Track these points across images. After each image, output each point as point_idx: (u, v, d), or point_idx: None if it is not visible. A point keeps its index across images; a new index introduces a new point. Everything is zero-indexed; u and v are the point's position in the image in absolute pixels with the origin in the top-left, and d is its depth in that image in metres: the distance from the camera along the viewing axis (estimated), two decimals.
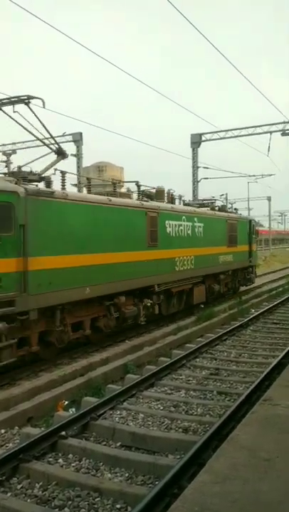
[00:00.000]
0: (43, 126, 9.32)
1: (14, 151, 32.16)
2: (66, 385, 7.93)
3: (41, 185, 9.33)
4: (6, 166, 31.66)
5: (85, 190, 10.24)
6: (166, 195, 14.63)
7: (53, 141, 9.82)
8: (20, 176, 8.74)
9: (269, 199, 65.73)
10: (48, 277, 8.64)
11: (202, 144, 30.14)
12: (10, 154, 32.11)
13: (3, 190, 7.92)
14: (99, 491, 4.57)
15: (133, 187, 13.49)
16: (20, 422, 6.69)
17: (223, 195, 23.45)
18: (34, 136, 9.63)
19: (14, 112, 9.04)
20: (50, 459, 5.37)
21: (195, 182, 29.97)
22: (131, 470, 5.09)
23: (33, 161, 9.78)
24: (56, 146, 9.80)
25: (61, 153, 9.87)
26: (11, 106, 9.07)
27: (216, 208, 18.86)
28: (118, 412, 6.71)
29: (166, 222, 13.24)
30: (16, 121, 9.26)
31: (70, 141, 29.02)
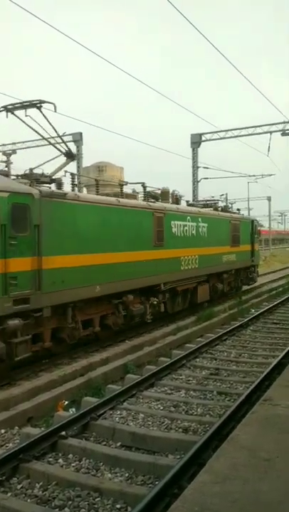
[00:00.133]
0: (54, 129, 9.72)
1: (14, 151, 32.15)
2: (66, 385, 7.93)
3: (52, 186, 9.55)
4: (6, 166, 31.66)
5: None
6: (170, 195, 14.88)
7: (63, 144, 10.16)
8: (34, 178, 9.05)
9: (269, 199, 65.71)
10: (61, 276, 8.95)
11: (202, 143, 30.13)
12: (10, 154, 32.09)
13: (19, 192, 8.24)
14: (99, 491, 4.57)
15: (135, 187, 13.63)
16: (21, 422, 6.69)
17: (223, 195, 23.51)
18: (45, 139, 10.02)
19: (26, 115, 9.43)
20: (50, 459, 5.37)
21: (195, 182, 29.97)
22: (131, 470, 5.09)
23: (44, 163, 10.08)
24: (66, 148, 10.12)
25: (70, 156, 10.24)
26: (23, 110, 9.44)
27: (219, 209, 19.12)
28: (118, 412, 6.71)
29: (172, 222, 13.56)
30: (28, 125, 9.62)
31: (70, 141, 29.02)
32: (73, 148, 29.41)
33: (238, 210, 22.62)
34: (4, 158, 32.41)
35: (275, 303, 17.10)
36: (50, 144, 10.14)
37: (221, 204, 20.44)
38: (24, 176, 9.39)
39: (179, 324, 13.18)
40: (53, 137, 10.16)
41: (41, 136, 9.90)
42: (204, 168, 30.42)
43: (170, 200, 14.75)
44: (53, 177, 9.77)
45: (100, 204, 10.49)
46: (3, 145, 31.47)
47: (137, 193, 13.42)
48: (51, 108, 9.50)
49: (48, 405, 7.21)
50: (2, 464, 4.99)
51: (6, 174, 9.21)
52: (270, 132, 26.99)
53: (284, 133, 26.70)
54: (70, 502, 4.45)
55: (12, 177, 9.25)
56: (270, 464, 3.56)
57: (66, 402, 7.37)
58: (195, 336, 12.26)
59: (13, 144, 31.59)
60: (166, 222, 13.18)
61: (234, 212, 20.83)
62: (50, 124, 9.64)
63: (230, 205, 22.59)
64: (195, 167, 30.01)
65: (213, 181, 31.33)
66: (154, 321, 13.33)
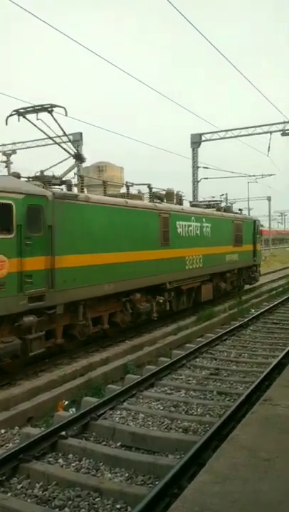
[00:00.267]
0: (64, 133, 10.11)
1: (14, 151, 32.14)
2: (66, 385, 7.93)
3: (61, 188, 9.83)
4: (6, 166, 31.66)
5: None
6: (175, 196, 15.20)
7: (71, 146, 10.68)
8: (45, 180, 9.41)
9: (269, 199, 65.64)
10: (72, 274, 9.30)
11: (202, 143, 30.11)
12: (10, 154, 32.09)
13: (34, 194, 8.58)
14: (99, 491, 4.57)
15: (137, 187, 13.78)
16: (21, 422, 6.69)
17: (223, 195, 23.56)
18: (56, 142, 10.37)
19: (37, 119, 9.84)
20: (50, 459, 5.37)
21: (195, 182, 29.95)
22: (131, 470, 5.09)
23: (54, 166, 10.47)
24: (75, 151, 10.45)
25: (79, 158, 10.59)
26: (35, 114, 9.83)
27: (222, 209, 19.38)
28: (118, 412, 6.71)
29: (177, 222, 13.89)
30: (39, 129, 9.98)
31: (70, 141, 28.98)
32: (65, 146, 29.35)
33: (240, 210, 22.85)
34: (4, 158, 32.43)
35: (275, 303, 17.10)
36: (61, 147, 10.53)
37: (223, 204, 20.71)
38: (36, 177, 9.69)
39: (180, 324, 13.19)
40: (64, 141, 10.57)
41: (52, 139, 10.30)
42: (204, 168, 30.43)
43: (174, 200, 15.04)
44: (63, 179, 10.05)
45: (109, 205, 10.84)
46: (3, 145, 31.48)
47: (143, 193, 13.66)
48: (62, 112, 9.90)
49: (48, 405, 7.21)
50: (2, 463, 4.99)
51: (18, 176, 9.46)
52: (270, 132, 26.97)
53: (284, 133, 26.68)
54: (70, 502, 4.45)
55: (23, 179, 9.52)
56: (270, 464, 3.56)
57: (66, 402, 7.37)
58: (195, 335, 12.26)
59: (13, 144, 31.59)
60: (172, 222, 13.50)
61: (236, 213, 21.14)
62: (60, 127, 10.08)
63: (229, 205, 22.67)
64: (195, 167, 29.99)
65: (213, 181, 31.34)
66: (155, 321, 13.38)
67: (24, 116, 9.86)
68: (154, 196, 13.73)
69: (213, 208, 18.83)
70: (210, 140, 29.95)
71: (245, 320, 13.72)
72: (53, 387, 7.80)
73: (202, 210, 16.82)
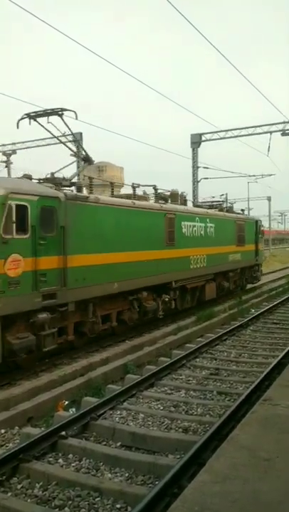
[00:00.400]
0: (73, 135, 10.28)
1: (14, 151, 32.16)
2: (66, 385, 7.93)
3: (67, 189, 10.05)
4: (6, 166, 31.67)
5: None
6: (179, 197, 15.55)
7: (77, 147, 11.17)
8: (57, 182, 9.78)
9: (269, 199, 65.64)
10: (83, 273, 9.68)
11: (202, 143, 30.13)
12: (10, 154, 32.11)
13: (48, 195, 8.94)
14: (99, 490, 4.57)
15: (136, 188, 13.78)
16: (21, 422, 6.69)
17: (223, 195, 23.59)
18: (64, 144, 10.84)
19: (48, 122, 10.19)
20: (50, 459, 5.37)
21: (195, 182, 29.97)
22: (131, 470, 5.09)
23: (63, 168, 10.75)
24: (84, 153, 10.76)
25: (88, 160, 10.87)
26: (46, 117, 10.18)
27: (225, 209, 19.69)
28: (118, 412, 6.71)
29: (182, 223, 14.24)
30: (49, 131, 10.33)
31: (70, 141, 29.01)
32: (73, 148, 29.41)
33: (242, 210, 23.07)
34: (4, 158, 32.43)
35: (275, 303, 17.09)
36: (70, 149, 10.91)
37: (225, 205, 21.10)
38: (46, 179, 10.02)
39: (180, 324, 13.19)
40: (69, 140, 10.88)
41: (62, 142, 10.74)
42: (204, 168, 30.45)
43: (179, 201, 15.38)
44: (70, 180, 10.36)
45: (117, 206, 11.22)
46: (3, 145, 31.50)
47: (148, 194, 13.99)
48: (72, 115, 10.21)
49: (48, 405, 7.20)
50: (2, 463, 4.99)
51: (30, 178, 9.76)
52: (270, 132, 27.00)
53: (284, 133, 26.69)
54: (70, 502, 4.45)
55: (34, 181, 9.78)
56: (270, 464, 3.56)
57: (66, 402, 7.37)
58: (195, 335, 12.25)
59: (13, 144, 31.61)
60: (177, 222, 13.86)
61: (239, 213, 21.51)
62: (70, 130, 10.40)
63: (229, 205, 22.76)
64: (195, 167, 30.01)
65: (213, 181, 31.35)
66: (158, 321, 13.54)
67: (35, 120, 10.20)
68: (159, 197, 14.03)
69: (215, 208, 19.12)
70: (210, 140, 29.98)
71: (245, 320, 13.72)
72: (53, 387, 7.80)
73: (206, 210, 17.14)
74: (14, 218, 8.08)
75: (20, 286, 8.12)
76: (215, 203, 20.47)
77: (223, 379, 8.46)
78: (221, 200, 21.78)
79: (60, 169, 10.45)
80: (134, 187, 12.93)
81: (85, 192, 10.55)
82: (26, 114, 10.19)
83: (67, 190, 9.80)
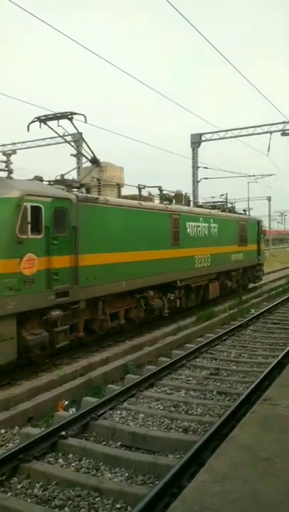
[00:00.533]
0: (82, 138, 10.84)
1: (14, 151, 32.13)
2: (66, 385, 7.93)
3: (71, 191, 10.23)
4: (6, 166, 31.62)
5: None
6: (183, 198, 15.97)
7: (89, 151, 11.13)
8: (67, 184, 10.14)
9: (269, 199, 65.58)
10: (94, 272, 10.03)
11: (202, 143, 30.12)
12: (10, 154, 32.06)
13: (60, 197, 9.29)
14: (99, 490, 4.57)
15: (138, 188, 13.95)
16: (21, 422, 6.69)
17: (223, 195, 23.60)
18: (73, 147, 11.42)
19: (58, 126, 10.54)
20: (50, 459, 5.38)
21: (195, 182, 29.95)
22: (131, 470, 5.09)
23: (72, 170, 11.43)
24: (92, 155, 11.04)
25: (95, 162, 11.18)
26: (56, 121, 10.47)
27: (227, 210, 20.00)
28: (118, 412, 6.72)
29: (187, 223, 14.61)
30: (58, 134, 10.74)
31: (70, 141, 28.98)
32: (84, 153, 29.39)
33: (245, 211, 23.23)
34: (4, 158, 32.41)
35: (275, 303, 17.09)
36: (78, 151, 11.30)
37: (229, 205, 21.33)
38: (56, 181, 10.36)
39: (179, 324, 13.20)
40: (69, 140, 11.08)
41: (70, 145, 11.31)
42: (204, 168, 30.43)
43: (183, 202, 15.81)
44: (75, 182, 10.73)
45: (125, 207, 11.60)
46: (3, 145, 31.47)
47: (152, 195, 14.25)
48: (82, 119, 10.45)
49: (48, 405, 7.21)
50: (2, 463, 4.99)
51: (41, 179, 10.04)
52: (270, 132, 26.97)
53: (284, 133, 26.67)
54: (70, 502, 4.46)
55: (45, 182, 10.10)
56: (269, 464, 3.57)
57: (66, 402, 7.37)
58: (195, 336, 12.26)
59: (13, 144, 31.59)
60: (182, 223, 14.21)
61: (241, 213, 21.85)
62: (79, 133, 10.76)
63: (229, 205, 22.81)
64: (195, 167, 30.00)
65: (213, 181, 31.32)
66: (161, 319, 13.65)
67: (45, 123, 10.50)
68: (163, 198, 14.37)
69: (218, 209, 19.41)
70: (210, 140, 29.96)
71: (245, 320, 13.72)
72: (53, 387, 7.80)
73: (209, 211, 17.56)
74: (29, 219, 8.39)
75: (34, 285, 8.43)
76: (217, 204, 20.79)
77: (223, 379, 8.46)
78: (223, 200, 21.97)
79: (69, 171, 10.94)
80: (139, 188, 13.21)
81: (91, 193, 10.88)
82: (37, 118, 10.48)
83: (77, 191, 10.13)
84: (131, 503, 4.32)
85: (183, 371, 8.97)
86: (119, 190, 12.80)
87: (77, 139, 29.61)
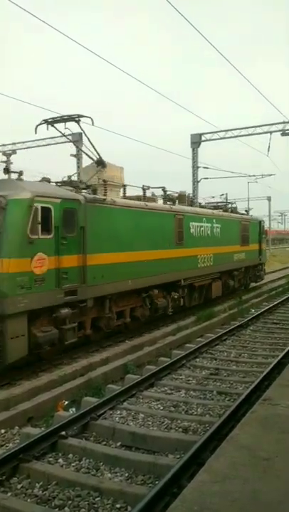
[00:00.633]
0: (89, 140, 10.94)
1: (14, 151, 32.13)
2: (66, 385, 7.93)
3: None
4: (6, 166, 31.61)
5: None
6: (187, 198, 16.25)
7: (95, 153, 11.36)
8: (74, 185, 10.40)
9: (269, 199, 65.55)
10: (101, 271, 10.27)
11: (202, 143, 30.09)
12: (10, 154, 32.07)
13: (69, 198, 9.55)
14: (99, 490, 4.58)
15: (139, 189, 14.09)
16: (21, 422, 6.70)
17: (223, 195, 23.64)
18: (80, 149, 11.26)
19: (65, 128, 10.84)
20: (50, 459, 5.38)
21: (195, 182, 29.93)
22: (131, 470, 5.09)
23: (76, 173, 11.64)
24: (97, 156, 11.23)
25: (101, 163, 11.39)
26: (63, 123, 10.76)
27: (229, 210, 20.28)
28: (118, 412, 6.72)
29: (190, 223, 14.88)
30: (65, 136, 11.26)
31: (70, 142, 28.97)
32: (73, 148, 29.42)
33: (247, 211, 23.37)
34: (4, 158, 32.40)
35: (275, 303, 17.09)
36: (85, 153, 11.36)
37: (230, 206, 21.52)
38: (63, 182, 10.67)
39: (179, 324, 13.20)
40: (67, 140, 11.25)
41: (78, 147, 11.34)
42: (204, 168, 30.40)
43: (186, 202, 16.02)
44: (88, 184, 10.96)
45: (132, 208, 11.86)
46: (3, 145, 31.48)
47: (156, 196, 14.49)
48: (89, 122, 10.68)
49: (48, 405, 7.21)
50: (2, 463, 4.99)
51: (49, 180, 10.26)
52: (270, 132, 26.93)
53: (284, 133, 26.64)
54: (70, 502, 4.46)
55: (52, 184, 10.32)
56: (269, 464, 3.57)
57: (66, 402, 7.37)
58: (195, 336, 12.26)
59: (13, 144, 31.59)
60: (186, 223, 14.47)
61: (243, 214, 22.19)
62: (86, 136, 10.84)
63: (236, 206, 22.93)
64: (195, 167, 29.97)
65: (213, 181, 31.32)
66: (159, 320, 13.67)
67: (53, 125, 10.74)
68: (167, 198, 14.61)
69: (220, 209, 19.64)
70: (210, 140, 29.91)
71: (245, 320, 13.72)
72: (53, 387, 7.80)
73: (212, 211, 17.83)
74: (39, 220, 8.62)
75: (44, 283, 8.68)
76: (220, 204, 21.03)
77: (223, 379, 8.47)
78: (226, 201, 22.20)
79: (75, 173, 11.22)
80: (144, 189, 13.40)
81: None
82: (44, 120, 10.76)
83: (84, 192, 10.37)
84: (131, 503, 4.33)
85: (183, 371, 8.98)
86: (124, 191, 13.04)
87: (77, 140, 29.65)
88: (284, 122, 26.50)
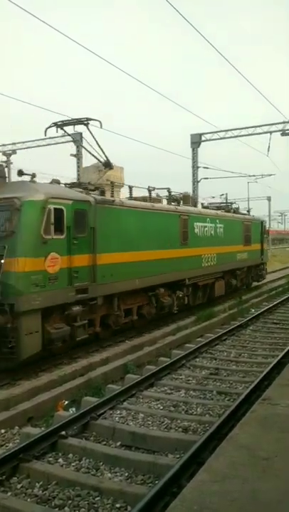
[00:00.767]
0: (97, 142, 11.22)
1: (14, 151, 32.15)
2: (66, 385, 7.93)
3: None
4: (6, 167, 31.65)
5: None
6: (190, 199, 16.66)
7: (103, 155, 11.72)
8: (83, 187, 10.75)
9: (269, 199, 65.51)
10: (110, 270, 10.60)
11: (202, 143, 30.09)
12: (10, 154, 32.10)
13: (80, 200, 9.89)
14: (99, 490, 4.58)
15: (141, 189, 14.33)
16: (21, 422, 6.70)
17: (223, 195, 23.68)
18: (89, 152, 11.66)
19: (74, 131, 11.31)
20: (50, 459, 5.38)
21: (195, 182, 29.93)
22: (131, 469, 5.10)
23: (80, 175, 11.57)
24: (105, 158, 11.54)
25: (108, 165, 11.73)
26: (72, 126, 11.19)
27: (232, 211, 20.57)
28: (118, 412, 6.73)
29: (195, 223, 15.25)
30: (74, 139, 11.15)
31: (69, 141, 28.99)
32: (73, 148, 29.43)
33: (248, 211, 23.54)
34: (4, 158, 32.41)
35: (275, 303, 17.09)
36: (92, 155, 11.71)
37: (233, 206, 21.77)
38: (72, 184, 11.06)
39: (179, 324, 13.21)
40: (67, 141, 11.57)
41: (86, 150, 11.49)
42: (204, 168, 30.41)
43: (190, 203, 16.45)
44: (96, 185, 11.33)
45: (139, 209, 12.20)
46: (3, 145, 31.51)
47: (160, 197, 14.75)
48: (97, 125, 11.01)
49: (48, 405, 7.21)
50: (2, 463, 5.00)
51: (58, 182, 10.54)
52: (270, 132, 26.94)
53: (284, 133, 26.64)
54: (70, 501, 4.46)
55: (61, 185, 10.60)
56: (269, 463, 3.58)
57: (66, 402, 7.38)
58: (195, 335, 12.26)
59: (13, 144, 31.62)
60: (190, 223, 14.84)
61: (245, 214, 22.54)
62: (94, 138, 11.17)
63: (238, 207, 23.02)
64: (195, 167, 29.97)
65: (213, 181, 31.32)
66: (156, 320, 13.64)
67: (62, 128, 11.05)
68: (172, 199, 14.91)
69: (223, 209, 19.93)
70: (210, 140, 29.92)
71: (245, 320, 13.72)
72: (52, 387, 7.81)
73: (216, 212, 18.14)
74: (52, 220, 8.96)
75: (57, 282, 9.04)
76: (222, 204, 21.31)
77: (222, 379, 8.47)
78: (229, 201, 22.46)
79: (81, 176, 11.38)
80: (149, 190, 13.67)
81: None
82: (54, 123, 11.10)
83: (93, 194, 10.64)
84: (131, 502, 4.33)
85: (183, 371, 8.98)
86: (130, 192, 13.23)
87: (77, 139, 29.66)
88: (284, 122, 26.51)
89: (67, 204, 9.40)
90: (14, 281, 8.34)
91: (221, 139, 29.24)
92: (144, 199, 13.42)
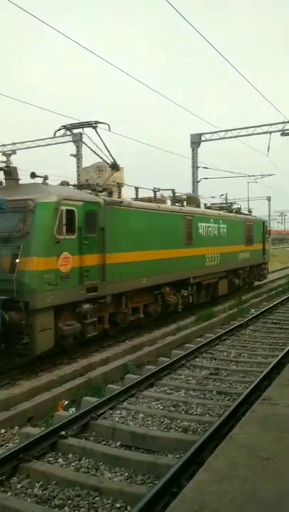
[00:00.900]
0: (104, 145, 11.46)
1: (14, 152, 32.13)
2: (66, 385, 7.93)
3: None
4: (6, 166, 31.61)
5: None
6: (194, 200, 16.96)
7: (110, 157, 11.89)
8: (92, 188, 11.09)
9: (269, 199, 65.51)
10: (118, 269, 10.93)
11: (202, 143, 30.09)
12: (10, 154, 32.07)
13: (91, 201, 10.25)
14: (99, 490, 4.58)
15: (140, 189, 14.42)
16: (20, 422, 6.70)
17: (222, 195, 23.77)
18: (97, 154, 11.80)
19: (82, 133, 11.38)
20: (50, 459, 5.38)
21: (195, 182, 29.93)
22: (131, 469, 5.10)
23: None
24: (112, 160, 11.75)
25: (115, 167, 11.99)
26: (80, 129, 11.59)
27: (234, 211, 20.93)
28: (118, 412, 6.72)
29: (199, 224, 15.62)
30: (83, 142, 11.47)
31: (69, 142, 29.00)
32: (73, 148, 29.43)
33: (250, 211, 23.68)
34: (4, 158, 32.39)
35: (275, 303, 17.08)
36: (99, 157, 11.87)
37: (235, 206, 22.17)
38: (81, 185, 11.42)
39: (179, 324, 13.21)
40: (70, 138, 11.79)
41: (94, 152, 11.66)
42: (204, 168, 30.40)
43: (195, 204, 16.84)
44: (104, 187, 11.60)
45: (146, 209, 12.54)
46: (3, 145, 31.48)
47: (165, 197, 15.06)
48: (106, 128, 11.31)
49: (48, 405, 7.21)
50: (2, 463, 5.00)
51: (68, 184, 10.92)
52: (270, 132, 26.92)
53: (284, 133, 26.62)
54: (69, 501, 4.46)
55: (70, 187, 10.94)
56: (268, 463, 3.58)
57: (66, 402, 7.38)
58: (195, 335, 12.25)
59: (13, 144, 31.60)
60: (194, 224, 15.20)
61: (247, 214, 22.81)
62: (102, 142, 11.39)
63: (240, 207, 23.12)
64: (195, 167, 29.96)
65: (213, 181, 31.31)
66: (167, 316, 14.04)
67: (71, 131, 11.54)
68: (176, 200, 15.18)
69: (225, 210, 20.27)
70: (210, 140, 29.91)
71: (245, 320, 13.71)
72: (52, 387, 7.81)
73: (219, 212, 18.47)
74: (64, 221, 9.28)
75: (69, 281, 9.38)
76: (225, 205, 21.74)
77: (222, 379, 8.47)
78: (226, 201, 22.56)
79: (89, 178, 11.63)
80: (154, 191, 13.94)
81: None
82: (63, 126, 11.52)
83: (102, 195, 10.93)
84: (131, 502, 4.33)
85: (182, 371, 8.98)
86: (136, 193, 13.51)
87: (77, 140, 29.65)
88: (284, 122, 26.49)
89: (79, 205, 9.73)
90: (29, 280, 8.65)
91: (221, 139, 29.23)
92: (149, 200, 13.66)
